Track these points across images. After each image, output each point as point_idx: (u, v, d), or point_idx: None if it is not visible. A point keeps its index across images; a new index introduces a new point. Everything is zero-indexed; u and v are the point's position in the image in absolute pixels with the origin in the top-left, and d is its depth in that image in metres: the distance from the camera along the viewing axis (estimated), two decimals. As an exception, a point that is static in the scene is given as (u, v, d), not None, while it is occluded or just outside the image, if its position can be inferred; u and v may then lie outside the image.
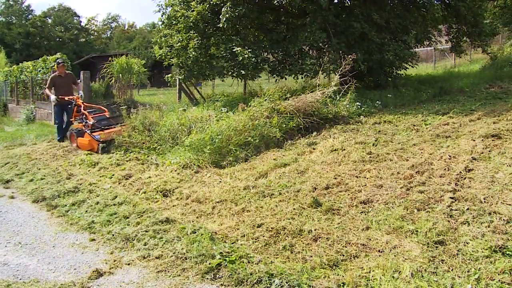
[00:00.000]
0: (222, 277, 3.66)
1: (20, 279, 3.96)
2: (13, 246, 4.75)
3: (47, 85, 10.59)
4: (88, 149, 8.99)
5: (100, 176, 7.17)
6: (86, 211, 5.64)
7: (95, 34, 74.30)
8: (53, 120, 15.83)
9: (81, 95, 10.57)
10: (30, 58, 32.17)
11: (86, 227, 5.10)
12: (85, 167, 7.78)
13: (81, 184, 6.77)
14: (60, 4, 66.39)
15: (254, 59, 11.58)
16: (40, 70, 19.28)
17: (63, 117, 10.59)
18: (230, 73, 13.02)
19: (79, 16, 68.15)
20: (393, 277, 3.33)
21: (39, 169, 7.96)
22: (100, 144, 8.72)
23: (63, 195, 6.32)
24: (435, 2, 15.02)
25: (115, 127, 9.35)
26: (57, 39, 59.62)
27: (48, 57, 19.07)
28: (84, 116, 9.67)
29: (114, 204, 5.73)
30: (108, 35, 77.19)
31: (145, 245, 4.43)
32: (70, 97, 10.39)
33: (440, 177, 5.27)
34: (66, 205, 5.89)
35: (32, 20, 57.64)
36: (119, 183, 6.68)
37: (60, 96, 10.28)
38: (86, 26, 71.69)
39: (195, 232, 4.51)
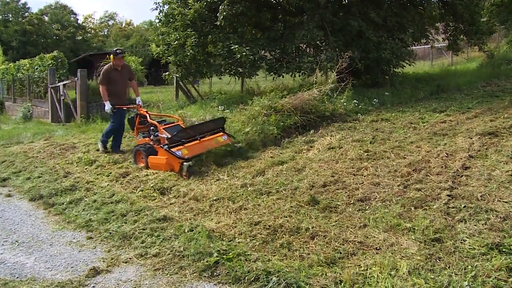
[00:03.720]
0: (219, 275, 3.66)
1: (17, 277, 3.95)
2: (10, 245, 4.74)
3: (101, 80, 8.30)
4: (165, 170, 6.82)
5: (98, 174, 7.16)
6: (84, 209, 5.63)
7: (92, 32, 74.14)
8: (50, 118, 15.89)
9: (139, 102, 8.44)
10: (27, 56, 32.12)
11: (83, 225, 5.09)
12: (82, 165, 7.76)
13: (78, 182, 6.75)
14: (57, 1, 66.18)
15: (251, 57, 11.59)
16: (37, 68, 19.23)
17: (123, 118, 8.58)
18: (227, 71, 13.02)
19: (76, 14, 68.29)
20: (390, 274, 3.34)
21: (36, 167, 7.94)
22: (184, 163, 6.57)
23: (60, 193, 6.31)
24: (432, 0, 15.05)
25: (200, 139, 7.23)
26: (54, 37, 59.45)
27: (45, 55, 19.02)
28: (152, 128, 7.74)
29: (111, 202, 5.72)
30: (105, 33, 77.02)
31: (142, 243, 4.42)
32: (132, 105, 8.56)
33: (437, 174, 5.29)
34: (63, 203, 5.88)
35: (28, 18, 57.45)
36: (117, 181, 6.67)
37: (117, 106, 8.25)
38: (83, 24, 71.62)
39: (193, 230, 4.51)
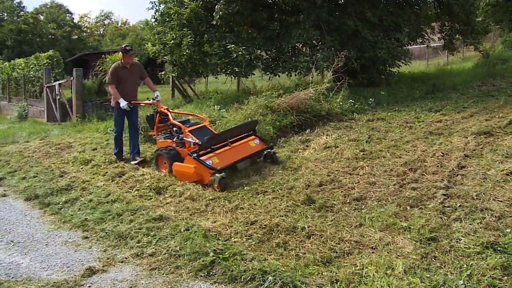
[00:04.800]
0: (215, 274, 3.66)
1: (12, 277, 3.94)
2: (5, 245, 4.72)
3: (109, 80, 7.52)
4: (193, 180, 6.00)
5: (93, 174, 7.13)
6: (79, 209, 5.61)
7: (88, 31, 73.83)
8: (46, 118, 15.85)
9: (157, 96, 7.51)
10: (22, 55, 31.93)
11: (79, 225, 5.07)
12: (78, 164, 7.74)
13: (74, 182, 6.73)
14: (52, 1, 65.85)
15: (247, 56, 11.58)
16: (32, 67, 19.15)
17: (123, 124, 7.82)
18: (223, 70, 13.01)
19: (71, 13, 67.70)
20: (386, 273, 3.35)
21: (32, 167, 7.91)
22: (216, 175, 5.73)
23: (56, 193, 6.28)
24: (428, 0, 15.09)
25: (230, 144, 6.45)
26: (50, 36, 59.15)
27: (41, 54, 18.94)
28: (176, 129, 7.01)
29: (107, 202, 5.70)
30: (101, 32, 76.77)
31: (138, 242, 4.41)
32: (148, 101, 7.66)
33: (433, 174, 5.31)
34: (59, 203, 5.86)
35: (24, 17, 57.11)
36: (113, 181, 6.65)
37: (132, 102, 7.54)
38: (79, 23, 71.27)
39: (189, 230, 4.51)
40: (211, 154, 6.08)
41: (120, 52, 7.51)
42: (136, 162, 7.41)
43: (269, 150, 6.69)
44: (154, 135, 7.58)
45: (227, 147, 6.35)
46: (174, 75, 14.30)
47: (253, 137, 6.87)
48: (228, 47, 11.71)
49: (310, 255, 3.73)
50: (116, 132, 7.77)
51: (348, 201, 4.85)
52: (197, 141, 6.32)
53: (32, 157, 8.73)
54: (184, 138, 6.63)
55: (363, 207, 4.67)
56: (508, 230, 3.72)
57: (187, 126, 6.86)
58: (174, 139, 6.87)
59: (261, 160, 6.76)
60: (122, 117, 7.69)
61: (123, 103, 7.33)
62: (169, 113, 7.14)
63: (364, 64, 12.32)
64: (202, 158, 5.93)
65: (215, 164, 5.91)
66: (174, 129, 7.03)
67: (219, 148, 6.27)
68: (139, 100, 7.84)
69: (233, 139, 6.57)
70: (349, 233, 4.11)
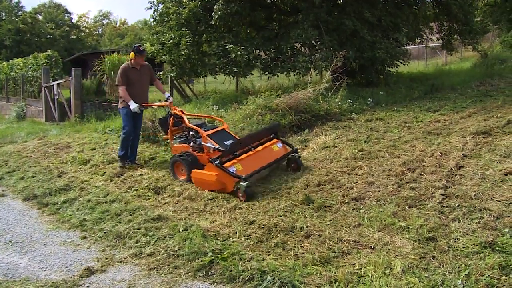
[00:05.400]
0: (214, 274, 3.66)
1: (11, 277, 3.93)
2: (3, 245, 4.71)
3: (119, 81, 7.04)
4: (214, 189, 5.59)
5: (92, 174, 7.13)
6: (78, 209, 5.61)
7: (87, 31, 73.84)
8: (44, 118, 15.83)
9: (168, 97, 7.24)
10: (20, 55, 31.91)
11: (77, 225, 5.07)
12: (77, 164, 7.73)
13: (72, 182, 6.72)
14: (51, 0, 65.86)
15: (246, 56, 11.59)
16: (30, 67, 19.13)
17: (132, 125, 7.27)
18: (222, 70, 13.00)
19: (70, 13, 67.74)
20: (384, 273, 3.35)
21: (30, 166, 7.90)
22: (241, 183, 5.29)
23: (54, 193, 6.28)
24: (427, 0, 15.11)
25: (253, 149, 6.05)
26: (48, 36, 59.09)
27: (39, 54, 18.92)
28: (193, 133, 6.53)
29: (105, 202, 5.70)
30: (100, 32, 76.78)
31: (137, 242, 4.41)
32: (160, 103, 7.30)
33: (431, 174, 5.31)
34: (57, 203, 5.85)
35: (22, 17, 57.03)
36: (111, 181, 6.64)
37: (143, 104, 7.21)
38: (77, 23, 71.33)
39: (187, 230, 4.51)
40: (234, 161, 5.65)
41: (132, 52, 7.07)
42: (121, 167, 7.19)
43: (293, 154, 6.29)
44: (168, 140, 7.11)
45: (250, 153, 5.94)
46: (172, 75, 14.30)
47: (275, 140, 6.47)
48: (227, 47, 11.71)
49: (309, 255, 3.73)
50: (124, 133, 7.20)
51: (346, 201, 4.85)
52: (217, 146, 5.92)
53: (31, 157, 8.72)
54: (202, 143, 6.19)
55: (361, 207, 4.68)
56: (506, 230, 3.73)
57: (204, 129, 6.34)
58: (191, 144, 6.43)
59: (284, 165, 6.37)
60: (130, 118, 7.18)
61: (133, 106, 6.94)
62: (184, 116, 6.69)
63: (363, 64, 12.33)
64: (225, 165, 5.49)
65: (239, 172, 5.49)
66: (191, 133, 6.54)
67: (241, 154, 5.85)
68: (150, 103, 7.49)
69: (255, 143, 6.18)
70: (348, 233, 4.11)
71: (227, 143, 6.08)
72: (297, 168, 6.18)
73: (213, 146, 5.95)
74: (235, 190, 5.39)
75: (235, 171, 5.48)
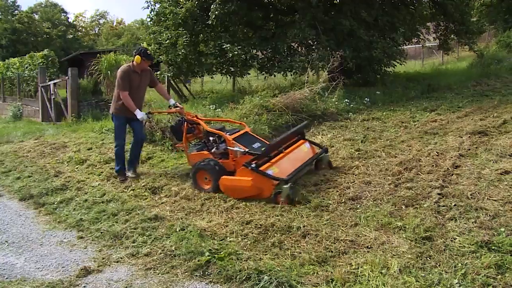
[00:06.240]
0: (211, 274, 3.65)
1: (7, 278, 3.92)
2: (-1, 245, 4.70)
3: (120, 85, 6.31)
4: (248, 195, 5.23)
5: (89, 174, 7.11)
6: (74, 208, 5.60)
7: (83, 30, 73.67)
8: (40, 117, 15.78)
9: (174, 104, 6.68)
10: (16, 54, 31.77)
11: (74, 225, 5.05)
12: (73, 164, 7.72)
13: (69, 181, 6.71)
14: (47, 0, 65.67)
15: (243, 56, 11.59)
16: (27, 67, 19.06)
17: (125, 136, 6.74)
18: (219, 70, 13.01)
19: (66, 12, 67.60)
20: (381, 273, 3.36)
21: (26, 166, 7.87)
22: (284, 187, 4.95)
23: (50, 193, 6.26)
24: (423, 0, 15.15)
25: (285, 151, 5.79)
26: (45, 36, 58.89)
27: (35, 54, 18.86)
28: (214, 139, 6.09)
29: (102, 202, 5.69)
30: (96, 32, 76.56)
31: (133, 242, 4.41)
32: (171, 110, 6.76)
33: (428, 173, 5.33)
34: (54, 203, 5.83)
35: (18, 16, 56.82)
36: (108, 181, 6.63)
37: (151, 111, 6.82)
38: (74, 22, 71.05)
39: (184, 229, 4.50)
40: (269, 164, 5.34)
41: (138, 56, 6.31)
42: (122, 180, 6.51)
43: (324, 154, 6.09)
44: (181, 148, 6.59)
45: (282, 154, 5.68)
46: (169, 74, 14.29)
47: (303, 141, 6.23)
48: (224, 46, 11.71)
49: (306, 255, 3.73)
50: (117, 146, 6.63)
51: (343, 200, 4.86)
52: (247, 150, 5.55)
53: (27, 157, 8.70)
54: (228, 147, 5.76)
55: (358, 206, 4.68)
56: (502, 229, 3.74)
57: (228, 134, 5.96)
58: (212, 150, 5.99)
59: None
60: (124, 128, 6.68)
61: (140, 115, 6.34)
62: (201, 121, 6.30)
63: (360, 63, 12.35)
64: (260, 168, 5.18)
65: (276, 175, 5.18)
66: (211, 138, 6.11)
67: (274, 156, 5.58)
68: (157, 110, 6.79)
69: (286, 145, 5.94)
70: (345, 232, 4.12)
71: (255, 146, 5.77)
72: (330, 167, 6.01)
73: (242, 150, 5.56)
74: (275, 194, 5.05)
75: (273, 174, 5.17)
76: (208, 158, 5.83)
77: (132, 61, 6.46)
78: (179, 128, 6.43)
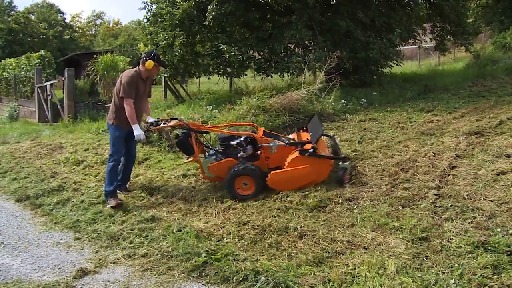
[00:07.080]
0: (208, 275, 3.66)
1: (3, 279, 3.91)
2: (-4, 246, 4.69)
3: (127, 92, 5.54)
4: (306, 182, 5.36)
5: (85, 175, 7.10)
6: (71, 210, 5.59)
7: (80, 31, 73.46)
8: (37, 118, 15.73)
9: (151, 122, 6.00)
10: (13, 55, 31.67)
11: (71, 226, 5.05)
12: (70, 165, 7.70)
13: (65, 182, 6.69)
14: (44, 0, 65.47)
15: (240, 56, 11.58)
16: (23, 68, 19.01)
17: (123, 150, 5.91)
18: (216, 71, 12.99)
19: (63, 13, 67.40)
20: (378, 273, 3.36)
21: (23, 167, 7.85)
22: (345, 163, 5.44)
23: (47, 194, 6.25)
24: (420, 1, 15.18)
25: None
26: (41, 36, 58.68)
27: (32, 54, 18.82)
28: (236, 143, 5.89)
29: (99, 203, 5.68)
30: (93, 32, 76.40)
31: (130, 243, 4.40)
32: (171, 124, 5.98)
33: (425, 174, 5.33)
34: (50, 204, 5.82)
35: (15, 17, 56.59)
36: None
37: (153, 128, 6.20)
38: (71, 23, 70.88)
39: (181, 230, 4.51)
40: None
41: (150, 60, 5.61)
42: (114, 205, 5.45)
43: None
44: (196, 161, 5.90)
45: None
46: (166, 75, 14.27)
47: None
48: (221, 47, 11.70)
49: (303, 255, 3.74)
50: (113, 161, 5.71)
51: (340, 201, 4.86)
52: (290, 140, 5.70)
53: (23, 157, 8.67)
54: (263, 144, 5.64)
55: (355, 207, 4.69)
56: (499, 230, 3.76)
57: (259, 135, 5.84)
58: (239, 154, 5.77)
59: None
60: (123, 141, 5.83)
61: (138, 133, 5.57)
62: (215, 129, 6.17)
63: (356, 64, 12.35)
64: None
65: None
66: (233, 143, 5.87)
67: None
68: (159, 126, 6.07)
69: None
70: (341, 233, 4.12)
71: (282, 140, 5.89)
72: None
73: (284, 142, 5.68)
74: (341, 173, 5.29)
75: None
76: (240, 163, 5.57)
77: (139, 66, 5.77)
78: (186, 141, 5.87)
